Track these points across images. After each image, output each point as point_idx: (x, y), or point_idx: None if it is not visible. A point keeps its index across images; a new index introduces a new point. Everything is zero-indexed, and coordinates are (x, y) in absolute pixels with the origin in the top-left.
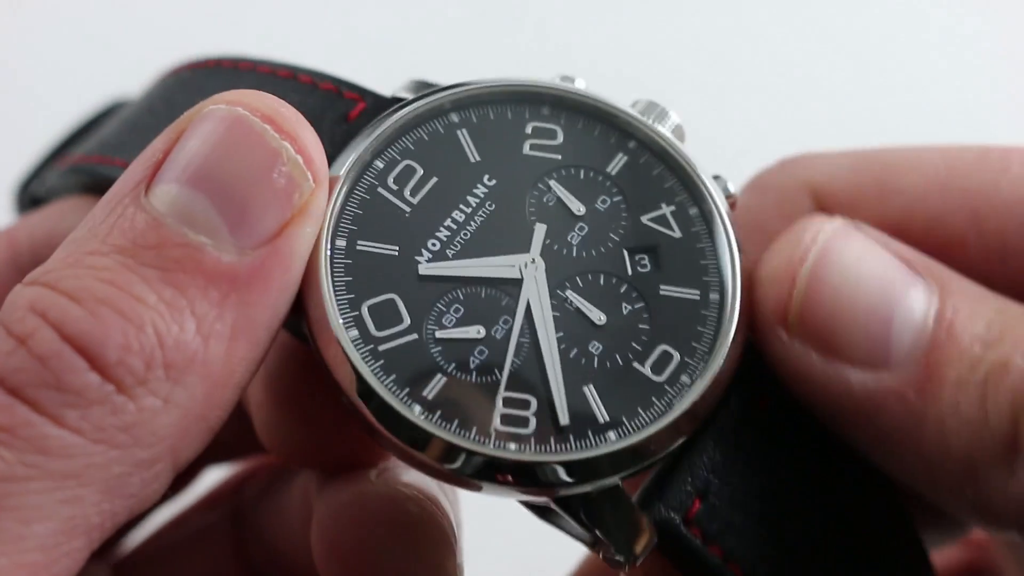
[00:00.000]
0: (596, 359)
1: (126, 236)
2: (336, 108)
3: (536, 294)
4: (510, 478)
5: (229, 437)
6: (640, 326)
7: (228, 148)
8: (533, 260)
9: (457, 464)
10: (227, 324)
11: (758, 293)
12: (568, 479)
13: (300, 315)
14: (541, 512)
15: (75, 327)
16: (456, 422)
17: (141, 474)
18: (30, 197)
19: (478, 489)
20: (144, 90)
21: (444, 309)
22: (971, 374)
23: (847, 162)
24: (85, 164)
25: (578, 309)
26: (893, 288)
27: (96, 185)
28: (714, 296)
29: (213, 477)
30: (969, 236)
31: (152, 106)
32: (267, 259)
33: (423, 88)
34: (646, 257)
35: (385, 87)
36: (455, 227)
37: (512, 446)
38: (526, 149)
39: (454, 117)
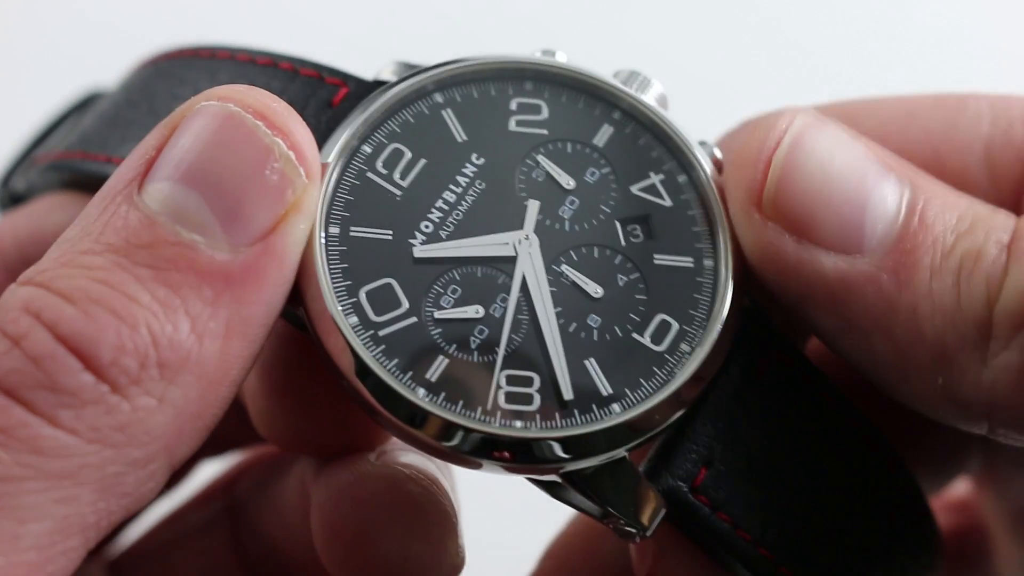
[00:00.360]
0: (596, 332)
1: (119, 235)
2: (319, 94)
3: (532, 270)
4: (507, 455)
5: (223, 430)
6: (637, 297)
7: (220, 145)
8: (527, 236)
9: (455, 442)
10: (221, 322)
11: (732, 175)
12: (572, 454)
13: (297, 304)
14: (550, 488)
15: (69, 327)
16: (460, 403)
17: (136, 473)
18: (9, 194)
19: (478, 467)
20: (121, 81)
21: (442, 290)
22: (944, 260)
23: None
24: (65, 160)
25: (574, 283)
26: (866, 177)
27: (77, 181)
28: (708, 262)
29: (208, 471)
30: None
31: (130, 98)
32: (261, 256)
33: (405, 70)
34: (638, 227)
35: (366, 70)
36: (447, 208)
37: (518, 423)
38: (512, 125)
39: (438, 97)
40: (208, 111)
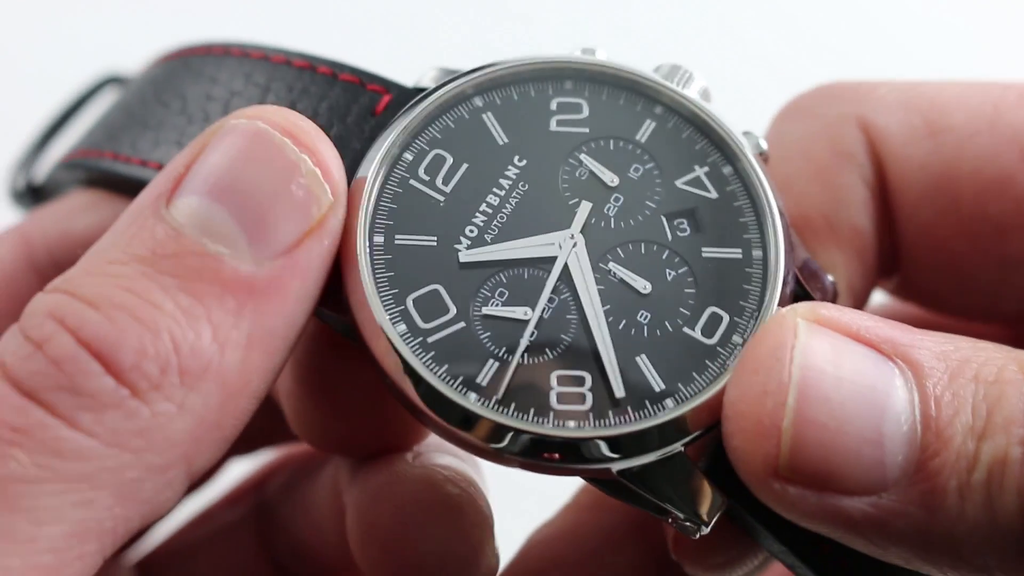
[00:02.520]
0: (646, 328)
1: (146, 246)
2: (361, 101)
3: (579, 269)
4: (557, 456)
5: (253, 427)
6: (686, 291)
7: (248, 161)
8: (572, 236)
9: (505, 443)
10: (243, 333)
11: (740, 446)
12: (625, 452)
13: (345, 313)
14: (608, 487)
15: (91, 331)
16: (513, 406)
17: (154, 480)
18: (27, 183)
19: (531, 468)
20: (145, 74)
21: (489, 294)
22: (971, 476)
23: (894, 97)
24: (83, 159)
25: (622, 280)
26: (875, 399)
27: (95, 179)
28: (757, 253)
29: (237, 471)
30: (1018, 174)
31: (160, 96)
32: (284, 270)
33: (445, 75)
34: (685, 221)
35: (404, 74)
36: (491, 211)
37: (571, 423)
38: (553, 126)
39: (478, 101)
40: (237, 130)
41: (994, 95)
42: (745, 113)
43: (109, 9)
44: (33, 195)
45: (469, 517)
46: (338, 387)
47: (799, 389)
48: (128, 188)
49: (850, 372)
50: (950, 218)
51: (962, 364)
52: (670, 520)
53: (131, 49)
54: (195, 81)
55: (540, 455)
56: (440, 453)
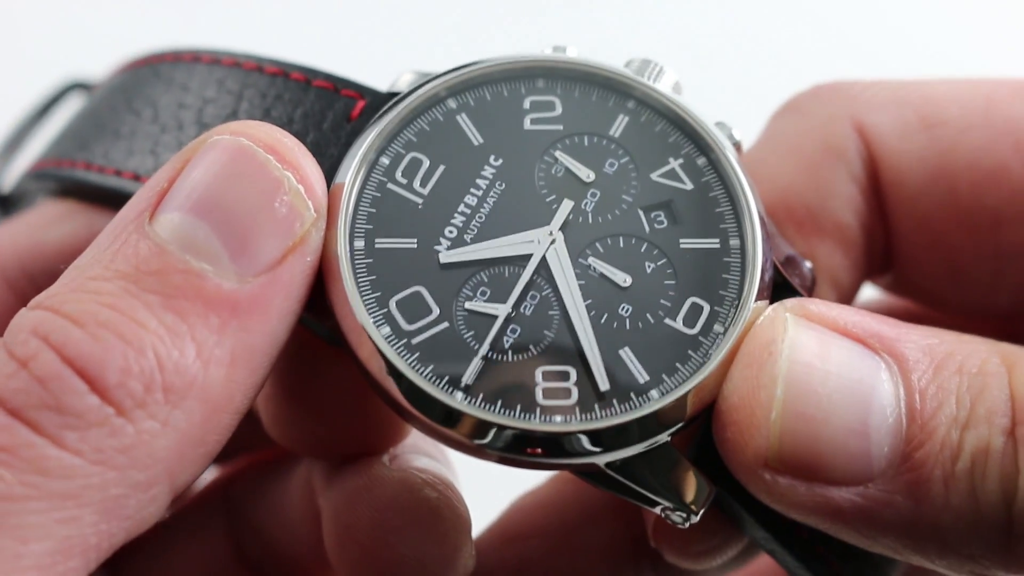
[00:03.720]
0: (627, 321)
1: (129, 262)
2: (336, 108)
3: (559, 265)
4: (540, 450)
5: (231, 438)
6: (666, 282)
7: (231, 177)
8: (551, 233)
9: (488, 439)
10: (226, 350)
11: (731, 437)
12: (609, 445)
13: (328, 318)
14: (598, 479)
15: (76, 349)
16: (499, 403)
17: (138, 496)
18: None
19: (518, 464)
20: (112, 80)
21: (471, 294)
22: (955, 466)
23: (888, 94)
24: (54, 169)
25: (602, 274)
26: (861, 391)
27: (68, 189)
28: (734, 242)
29: (205, 472)
30: (1013, 165)
31: (131, 105)
32: (267, 287)
33: (418, 79)
34: (661, 213)
35: (375, 78)
36: (469, 211)
37: (557, 418)
38: (527, 124)
39: (451, 103)
40: (220, 145)
41: (986, 90)
42: (726, 106)
43: (68, 14)
44: (1, 205)
45: (447, 520)
46: (316, 391)
47: (787, 383)
48: (102, 198)
49: (837, 366)
50: (947, 211)
51: (947, 357)
52: (659, 510)
53: (92, 54)
54: (166, 89)
55: (527, 451)
56: (417, 455)
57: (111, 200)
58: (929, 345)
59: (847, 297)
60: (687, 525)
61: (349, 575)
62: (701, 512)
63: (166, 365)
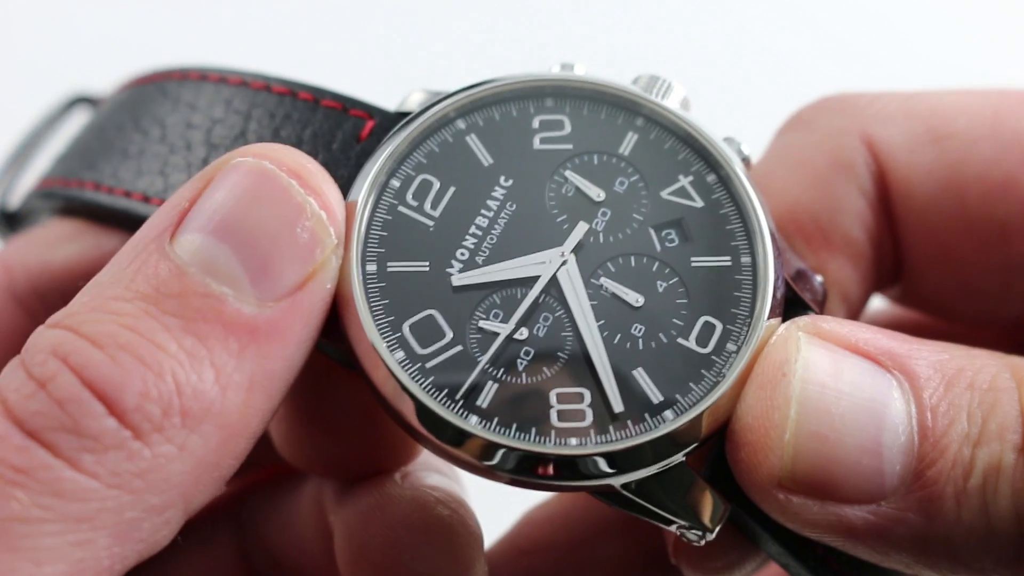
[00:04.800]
0: (640, 341)
1: (150, 283)
2: (344, 128)
3: (571, 286)
4: (553, 472)
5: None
6: (678, 301)
7: (253, 201)
8: (562, 254)
9: (497, 461)
10: (245, 375)
11: (745, 458)
12: (623, 467)
13: (341, 342)
14: (613, 499)
15: (96, 372)
16: (514, 426)
17: (152, 519)
18: (1, 210)
19: (530, 486)
20: (118, 97)
21: (484, 316)
22: (967, 483)
23: (895, 107)
24: (62, 188)
25: (614, 294)
26: (874, 410)
27: (76, 209)
28: (746, 260)
29: None
30: (1021, 177)
31: (139, 124)
32: (287, 313)
33: (426, 98)
34: (672, 231)
35: (382, 96)
36: (480, 233)
37: (572, 441)
38: (536, 144)
39: (461, 124)
40: (243, 167)
41: (993, 101)
42: (734, 118)
43: (72, 27)
44: (7, 221)
45: (460, 537)
46: (328, 411)
47: (800, 403)
48: (112, 218)
49: (849, 385)
50: (956, 223)
51: (958, 373)
52: (675, 528)
53: (96, 66)
54: (174, 108)
55: (542, 473)
56: (429, 473)
57: (121, 220)
58: (940, 361)
59: (856, 310)
60: (703, 543)
61: None
62: (716, 530)
63: (184, 389)
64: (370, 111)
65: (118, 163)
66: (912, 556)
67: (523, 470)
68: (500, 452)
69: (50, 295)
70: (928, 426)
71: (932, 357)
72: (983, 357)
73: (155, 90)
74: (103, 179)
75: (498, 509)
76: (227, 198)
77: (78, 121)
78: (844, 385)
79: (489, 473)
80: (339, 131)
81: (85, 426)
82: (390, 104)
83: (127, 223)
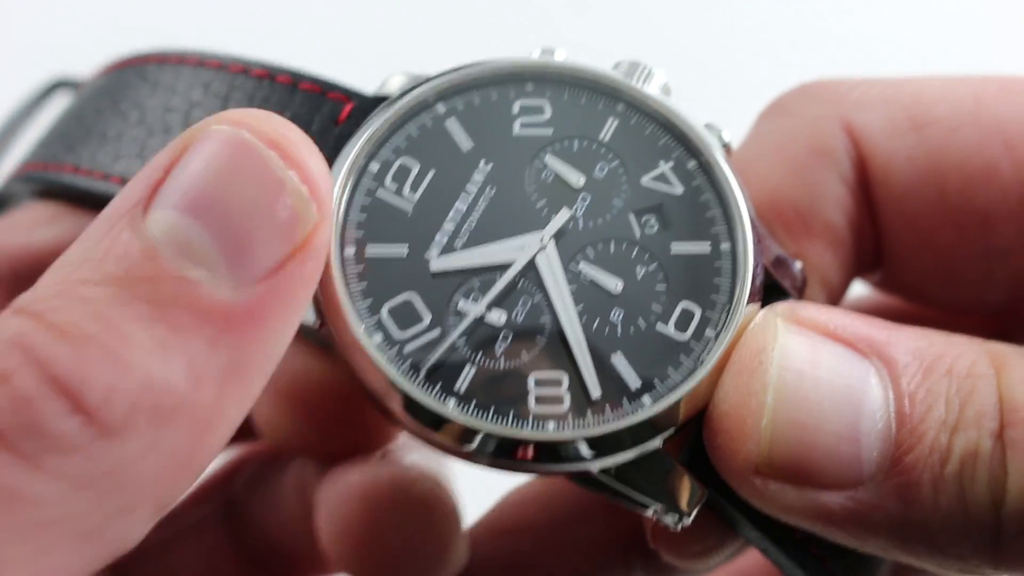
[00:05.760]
0: (619, 327)
1: (120, 264)
2: (323, 111)
3: (550, 271)
4: (532, 457)
5: None
6: (657, 287)
7: (230, 175)
8: (541, 239)
9: (478, 445)
10: (219, 365)
11: (722, 444)
12: (601, 451)
13: (320, 324)
14: (590, 484)
15: (60, 367)
16: (492, 409)
17: (122, 520)
18: None
19: (509, 469)
20: (98, 82)
21: (463, 300)
22: (944, 469)
23: (876, 93)
24: (41, 172)
25: (593, 280)
26: (852, 397)
27: (55, 191)
28: (725, 246)
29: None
30: (1002, 164)
31: (117, 106)
32: (265, 297)
33: (409, 81)
34: (652, 217)
35: (359, 79)
36: (460, 217)
37: (551, 425)
38: (516, 129)
39: (440, 108)
40: (220, 136)
41: (975, 88)
42: (714, 104)
43: (50, 13)
44: None
45: (439, 514)
46: (307, 394)
47: (777, 389)
48: (90, 201)
49: (827, 372)
50: (936, 209)
51: (936, 359)
52: (651, 513)
53: (77, 49)
54: (152, 91)
55: (520, 457)
56: (408, 451)
57: (98, 204)
58: (918, 347)
59: (836, 296)
60: (679, 528)
61: (345, 569)
62: (693, 514)
63: (154, 384)
64: (349, 94)
65: (96, 146)
66: (890, 541)
67: (500, 454)
68: (477, 436)
69: (31, 277)
70: (905, 412)
71: (911, 343)
72: (962, 343)
73: (134, 74)
74: (81, 162)
75: (480, 491)
76: (203, 171)
77: (59, 105)
78: (822, 371)
79: (467, 456)
80: (317, 114)
81: (48, 425)
82: (369, 89)
83: (105, 206)
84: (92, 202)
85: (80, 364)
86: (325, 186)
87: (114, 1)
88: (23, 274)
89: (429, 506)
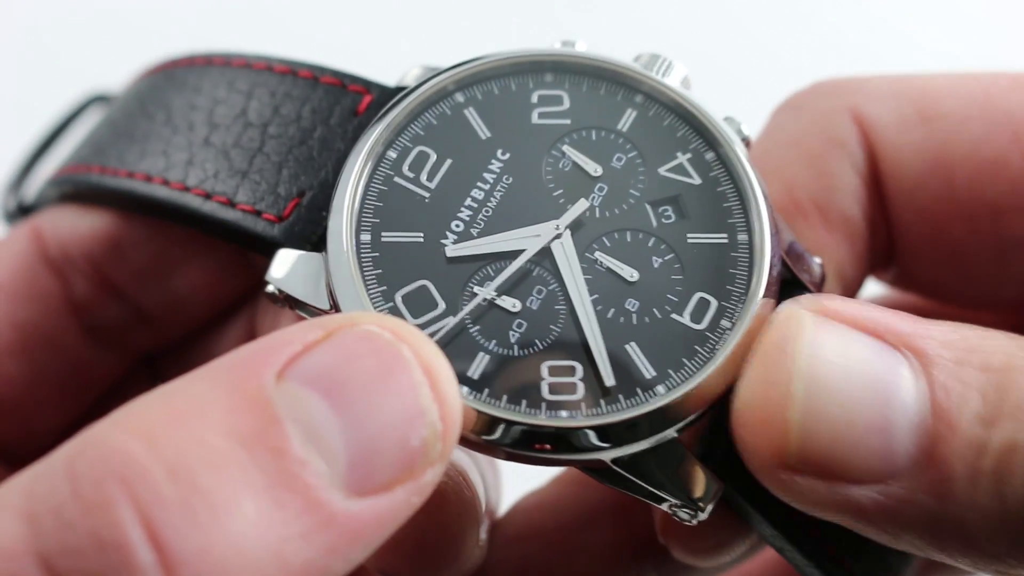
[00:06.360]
0: (634, 316)
1: (249, 425)
2: (343, 103)
3: (565, 260)
4: (548, 446)
5: None
6: (673, 277)
7: (378, 383)
8: (557, 227)
9: (496, 435)
10: (305, 559)
11: (748, 438)
12: (616, 440)
13: (334, 312)
14: (603, 475)
15: (161, 516)
16: (505, 397)
17: None
18: (19, 204)
19: (523, 460)
20: (129, 89)
21: (477, 287)
22: (981, 462)
23: (886, 87)
24: (71, 175)
25: (609, 269)
26: (883, 388)
27: (82, 194)
28: (742, 237)
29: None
30: (1012, 156)
31: (145, 109)
32: (367, 514)
33: (426, 73)
34: (669, 208)
35: (387, 76)
36: (476, 205)
37: (563, 413)
38: (535, 118)
39: (459, 97)
40: (378, 341)
41: (985, 82)
42: (734, 101)
43: (90, 30)
44: (25, 215)
45: (453, 506)
46: None
47: (807, 381)
48: (114, 199)
49: (857, 363)
50: (946, 202)
51: (969, 352)
52: (666, 507)
53: (114, 68)
54: (179, 92)
55: (533, 446)
56: None
57: (121, 200)
58: (951, 340)
59: (851, 291)
60: (695, 522)
61: None
62: (709, 508)
63: (241, 557)
64: (368, 86)
65: (124, 147)
66: (923, 538)
67: (513, 442)
68: (491, 423)
69: (79, 259)
70: (940, 404)
71: (943, 336)
72: (996, 337)
73: (163, 78)
74: (108, 163)
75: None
76: (349, 366)
77: (94, 119)
78: (852, 363)
79: (477, 445)
80: (337, 106)
81: (130, 573)
82: (391, 81)
83: (128, 203)
84: (115, 199)
85: (182, 518)
86: (454, 431)
87: (149, 13)
88: (73, 256)
89: (442, 496)
